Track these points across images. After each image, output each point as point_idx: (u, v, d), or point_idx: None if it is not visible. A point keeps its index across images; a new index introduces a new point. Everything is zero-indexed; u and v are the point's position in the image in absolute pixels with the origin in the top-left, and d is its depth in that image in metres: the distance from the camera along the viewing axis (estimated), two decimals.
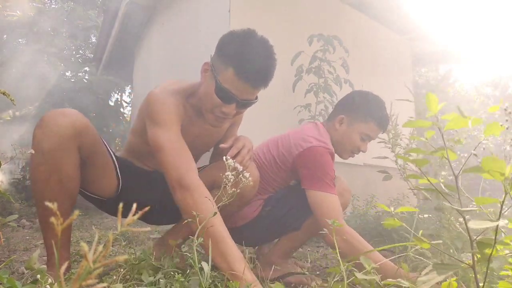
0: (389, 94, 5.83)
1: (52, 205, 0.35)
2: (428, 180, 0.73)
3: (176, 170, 1.20)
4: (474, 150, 0.79)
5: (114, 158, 1.41)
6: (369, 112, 1.71)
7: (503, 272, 0.85)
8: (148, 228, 0.43)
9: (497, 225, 0.67)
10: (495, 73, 8.39)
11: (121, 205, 0.45)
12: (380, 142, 1.96)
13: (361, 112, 1.72)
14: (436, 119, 0.69)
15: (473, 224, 0.67)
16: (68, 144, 1.16)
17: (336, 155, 1.76)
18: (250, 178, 1.12)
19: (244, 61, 1.22)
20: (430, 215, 1.98)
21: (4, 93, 1.13)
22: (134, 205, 0.51)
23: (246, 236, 1.59)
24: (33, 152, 1.13)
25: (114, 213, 1.51)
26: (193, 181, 1.18)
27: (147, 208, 0.60)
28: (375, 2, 4.61)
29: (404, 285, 0.84)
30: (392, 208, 0.81)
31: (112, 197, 1.42)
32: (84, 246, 0.34)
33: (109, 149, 1.40)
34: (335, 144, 1.74)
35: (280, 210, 1.66)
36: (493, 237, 0.70)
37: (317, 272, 1.89)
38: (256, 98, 1.33)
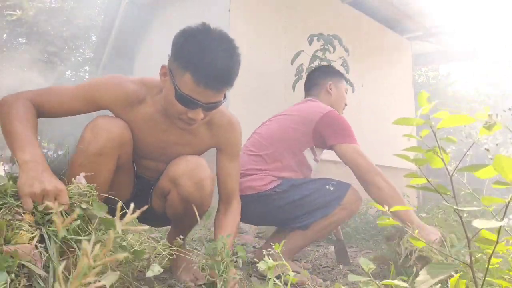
0: (389, 93, 5.83)
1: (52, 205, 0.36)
2: (427, 180, 0.73)
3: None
4: (468, 149, 0.80)
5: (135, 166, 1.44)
6: (340, 72, 2.14)
7: (507, 270, 0.85)
8: (146, 226, 0.44)
9: (500, 226, 0.67)
10: (496, 73, 8.39)
11: (119, 203, 0.45)
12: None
13: (338, 73, 2.12)
14: (428, 117, 0.69)
15: (477, 223, 0.66)
16: (113, 152, 1.21)
17: None
18: None
19: (201, 65, 1.10)
20: (430, 215, 1.98)
21: None
22: (132, 205, 0.51)
23: (250, 209, 1.64)
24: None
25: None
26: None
27: (145, 207, 0.61)
28: (375, 1, 4.61)
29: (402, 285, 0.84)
30: (386, 207, 0.81)
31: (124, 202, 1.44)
32: (85, 243, 0.35)
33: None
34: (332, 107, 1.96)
35: (291, 196, 1.71)
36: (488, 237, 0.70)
37: (318, 272, 1.89)
38: (224, 97, 1.22)
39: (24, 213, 0.89)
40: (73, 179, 1.05)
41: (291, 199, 1.71)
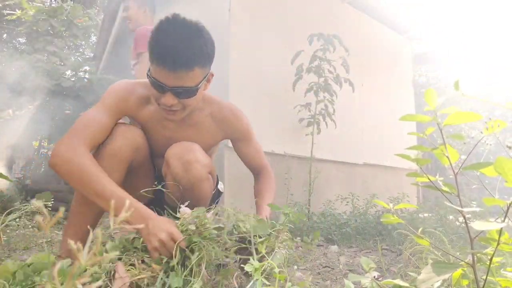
0: (389, 93, 5.83)
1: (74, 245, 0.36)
2: (428, 178, 0.73)
3: (72, 133, 1.25)
4: (474, 147, 0.79)
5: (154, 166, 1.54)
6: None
7: (508, 268, 0.85)
8: (142, 225, 0.43)
9: (501, 227, 0.66)
10: (495, 72, 8.39)
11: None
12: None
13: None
14: (435, 114, 0.68)
15: (476, 225, 0.66)
16: (126, 155, 1.32)
17: None
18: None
19: (157, 47, 1.18)
20: (430, 214, 1.98)
21: None
22: (127, 202, 0.51)
23: None
24: None
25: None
26: (59, 149, 1.21)
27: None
28: (375, 1, 4.61)
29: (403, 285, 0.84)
30: (391, 205, 0.81)
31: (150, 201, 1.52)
32: (72, 244, 0.34)
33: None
34: None
35: None
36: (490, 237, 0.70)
37: (318, 272, 1.89)
38: (198, 85, 1.25)
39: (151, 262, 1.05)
40: (178, 210, 1.19)
41: None
